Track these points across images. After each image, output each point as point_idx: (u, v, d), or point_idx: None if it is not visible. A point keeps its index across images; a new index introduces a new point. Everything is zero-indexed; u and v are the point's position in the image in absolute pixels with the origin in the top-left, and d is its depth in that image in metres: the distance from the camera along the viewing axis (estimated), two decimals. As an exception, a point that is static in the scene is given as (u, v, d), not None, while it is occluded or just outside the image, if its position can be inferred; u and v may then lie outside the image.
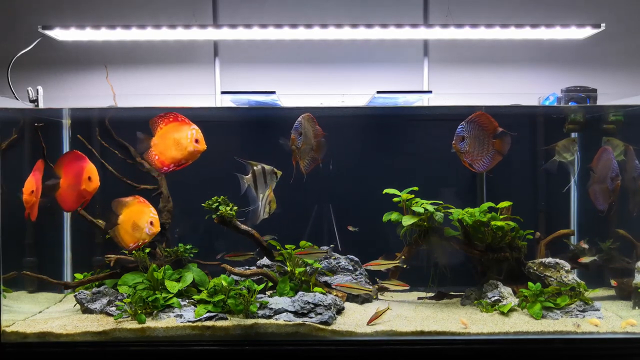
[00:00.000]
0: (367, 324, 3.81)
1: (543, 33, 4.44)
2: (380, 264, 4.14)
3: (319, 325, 3.70)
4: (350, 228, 4.57)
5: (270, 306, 3.83)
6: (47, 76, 4.96)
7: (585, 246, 4.47)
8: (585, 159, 4.59)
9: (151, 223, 3.83)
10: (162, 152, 3.76)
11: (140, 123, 4.62)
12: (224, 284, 3.90)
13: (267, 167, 3.88)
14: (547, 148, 4.66)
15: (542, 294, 3.98)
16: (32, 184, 4.05)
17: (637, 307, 4.13)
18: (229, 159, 4.61)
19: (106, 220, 4.02)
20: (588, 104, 4.49)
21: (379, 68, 5.04)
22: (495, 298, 4.07)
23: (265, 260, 4.40)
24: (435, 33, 4.48)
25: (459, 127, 4.01)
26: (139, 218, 3.85)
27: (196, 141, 3.73)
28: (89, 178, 3.94)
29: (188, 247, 4.41)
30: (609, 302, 4.31)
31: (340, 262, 4.43)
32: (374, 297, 4.37)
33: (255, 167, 3.84)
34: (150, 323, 3.75)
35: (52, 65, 4.97)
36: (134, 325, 3.73)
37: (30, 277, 4.32)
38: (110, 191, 4.77)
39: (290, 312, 3.79)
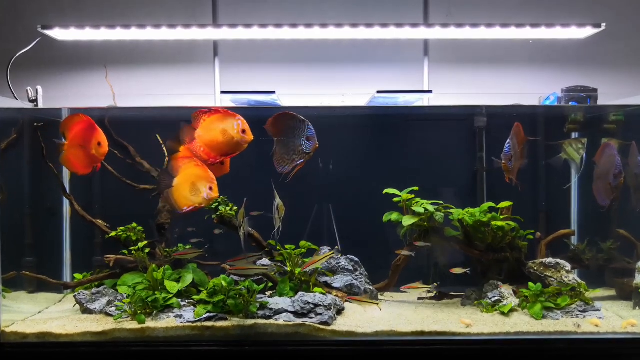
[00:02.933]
0: (344, 299, 3.91)
1: (543, 33, 4.43)
2: (316, 261, 4.04)
3: (319, 325, 3.69)
4: (254, 213, 4.46)
5: (270, 306, 3.82)
6: (46, 76, 4.95)
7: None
8: (586, 160, 4.58)
9: (210, 188, 3.67)
10: (208, 144, 3.70)
11: (140, 123, 4.65)
12: (224, 284, 3.89)
13: (278, 200, 3.80)
14: (554, 144, 4.63)
15: (542, 294, 3.97)
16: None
17: (637, 308, 4.12)
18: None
19: (159, 181, 3.82)
20: (589, 104, 4.49)
21: (379, 68, 5.03)
22: (496, 298, 4.07)
23: (265, 261, 4.39)
24: (436, 33, 4.47)
25: (506, 145, 4.00)
26: (198, 181, 3.69)
27: (243, 131, 3.67)
28: (99, 144, 3.92)
29: (188, 247, 4.40)
30: (609, 302, 4.30)
31: (340, 262, 4.42)
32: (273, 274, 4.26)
33: (276, 198, 3.77)
34: (149, 323, 3.74)
35: (52, 65, 4.97)
36: (133, 325, 3.72)
37: (29, 277, 4.32)
38: (109, 191, 4.82)
39: (290, 312, 3.78)
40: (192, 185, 3.69)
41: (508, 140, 4.02)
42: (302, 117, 3.83)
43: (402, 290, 4.30)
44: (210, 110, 3.73)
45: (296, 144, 3.83)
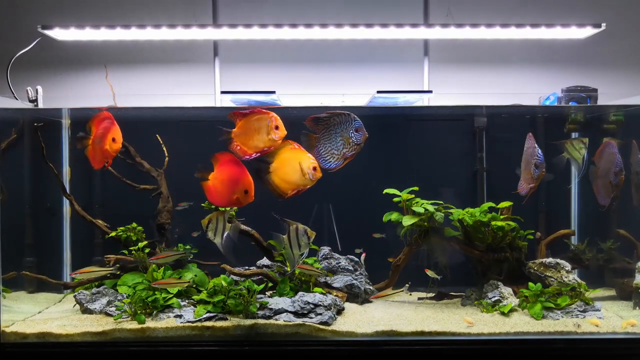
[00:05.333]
0: (312, 287, 3.99)
1: (543, 33, 4.43)
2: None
3: (319, 325, 3.70)
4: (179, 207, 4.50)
5: (270, 306, 3.82)
6: (46, 76, 4.95)
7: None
8: (587, 159, 4.58)
9: (314, 169, 3.60)
10: (244, 142, 3.68)
11: (140, 123, 4.64)
12: (224, 284, 3.90)
13: (301, 226, 3.70)
14: (557, 143, 4.62)
15: (542, 294, 3.97)
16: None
17: (637, 307, 4.12)
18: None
19: (256, 167, 3.70)
20: (588, 104, 4.49)
21: (379, 68, 5.03)
22: (496, 298, 4.07)
23: (265, 261, 4.40)
24: (436, 33, 4.47)
25: (539, 156, 4.03)
26: (300, 163, 3.62)
27: (276, 127, 3.64)
28: (113, 139, 3.90)
29: (187, 247, 4.40)
30: (609, 302, 4.30)
31: (340, 262, 4.42)
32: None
33: (291, 227, 3.69)
34: (149, 323, 3.74)
35: (52, 65, 4.97)
36: (133, 325, 3.72)
37: (29, 277, 4.32)
38: (109, 191, 4.83)
39: (290, 312, 3.78)
40: (293, 169, 3.62)
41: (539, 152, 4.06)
42: (346, 112, 3.81)
43: (372, 300, 4.30)
44: (246, 113, 3.73)
45: (345, 137, 3.80)
